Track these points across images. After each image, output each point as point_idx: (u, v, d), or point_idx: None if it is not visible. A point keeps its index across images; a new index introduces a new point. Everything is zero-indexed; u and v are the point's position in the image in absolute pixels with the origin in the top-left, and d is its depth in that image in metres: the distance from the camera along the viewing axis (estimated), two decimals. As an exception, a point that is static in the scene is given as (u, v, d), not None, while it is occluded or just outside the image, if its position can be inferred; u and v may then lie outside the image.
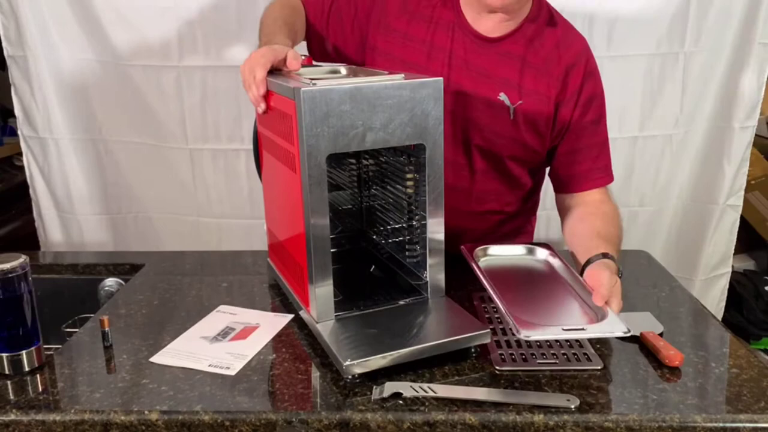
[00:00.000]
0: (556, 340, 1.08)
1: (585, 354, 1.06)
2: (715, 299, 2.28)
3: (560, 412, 0.92)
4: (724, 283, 2.27)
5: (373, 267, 1.31)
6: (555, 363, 1.04)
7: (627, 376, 1.02)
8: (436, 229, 1.10)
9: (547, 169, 1.43)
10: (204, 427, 0.92)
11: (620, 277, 1.13)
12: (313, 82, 0.99)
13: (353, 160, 1.38)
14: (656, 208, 2.16)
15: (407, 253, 1.19)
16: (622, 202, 2.09)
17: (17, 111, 2.10)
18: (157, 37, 1.97)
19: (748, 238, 2.71)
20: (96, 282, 1.49)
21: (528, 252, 1.29)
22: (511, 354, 1.06)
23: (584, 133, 1.33)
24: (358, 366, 0.98)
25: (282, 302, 1.28)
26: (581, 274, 1.16)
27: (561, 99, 1.30)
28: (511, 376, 1.01)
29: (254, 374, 1.03)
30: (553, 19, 1.33)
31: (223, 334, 1.16)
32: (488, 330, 1.05)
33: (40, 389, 1.01)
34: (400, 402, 0.94)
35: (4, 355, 1.03)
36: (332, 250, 1.06)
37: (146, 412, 0.93)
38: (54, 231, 2.21)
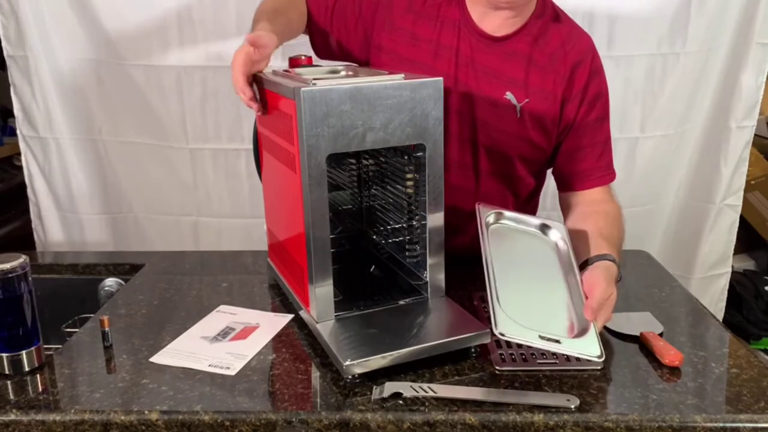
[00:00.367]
0: (528, 346, 1.06)
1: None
2: (714, 299, 2.28)
3: (560, 412, 0.92)
4: (723, 283, 2.28)
5: (373, 267, 1.31)
6: (555, 363, 1.04)
7: (627, 376, 1.02)
8: (436, 229, 1.10)
9: (549, 170, 1.43)
10: (204, 427, 0.92)
11: (619, 281, 1.13)
12: (313, 82, 0.99)
13: (353, 160, 1.38)
14: (654, 207, 2.16)
15: (407, 253, 1.19)
16: (620, 201, 2.09)
17: (17, 111, 2.10)
18: (158, 37, 1.98)
19: (748, 238, 2.72)
20: (96, 282, 1.49)
21: (540, 229, 1.25)
22: (511, 354, 1.06)
23: (589, 131, 1.33)
24: (358, 366, 0.98)
25: (282, 302, 1.28)
26: (581, 271, 1.15)
27: (567, 96, 1.30)
28: (511, 376, 1.01)
29: (254, 374, 1.03)
30: (558, 16, 1.33)
31: (223, 334, 1.16)
32: (488, 330, 1.05)
33: (40, 389, 1.01)
34: (400, 402, 0.94)
35: (4, 355, 1.02)
36: (332, 250, 1.06)
37: (146, 412, 0.93)
38: (54, 230, 2.21)
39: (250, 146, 1.38)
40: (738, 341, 1.14)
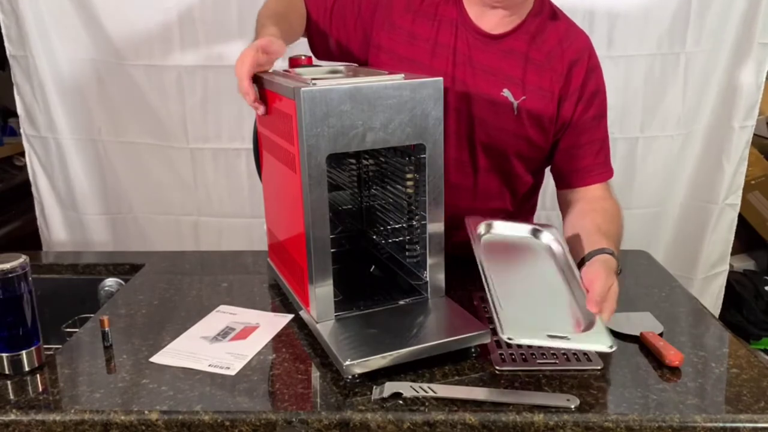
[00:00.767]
0: (529, 346, 1.06)
1: (585, 354, 1.06)
2: (712, 297, 2.28)
3: (560, 412, 0.92)
4: (721, 282, 2.28)
5: (373, 267, 1.31)
6: (555, 363, 1.04)
7: (627, 376, 1.02)
8: (436, 229, 1.10)
9: (548, 168, 1.43)
10: (204, 427, 0.92)
11: (618, 273, 1.12)
12: (313, 82, 0.99)
13: (353, 160, 1.38)
14: (657, 208, 2.16)
15: (407, 253, 1.19)
16: (622, 203, 2.09)
17: (20, 110, 2.11)
18: (159, 37, 1.98)
19: (748, 238, 2.72)
20: (96, 282, 1.49)
21: (532, 233, 1.25)
22: (511, 354, 1.06)
23: (586, 129, 1.33)
24: (358, 366, 0.98)
25: (282, 302, 1.28)
26: (579, 268, 1.14)
27: (564, 94, 1.31)
28: (511, 376, 1.01)
29: (254, 374, 1.03)
30: (555, 14, 1.33)
31: (223, 334, 1.16)
32: (488, 330, 1.05)
33: (40, 389, 1.01)
34: (400, 402, 0.94)
35: (4, 355, 1.02)
36: (332, 250, 1.05)
37: (146, 412, 0.93)
38: (57, 229, 2.22)
39: (251, 146, 1.38)
40: (738, 341, 1.13)
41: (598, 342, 0.97)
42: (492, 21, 1.29)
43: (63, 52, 2.01)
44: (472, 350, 1.06)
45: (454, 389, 0.97)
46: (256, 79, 1.15)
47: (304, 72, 1.14)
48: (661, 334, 1.11)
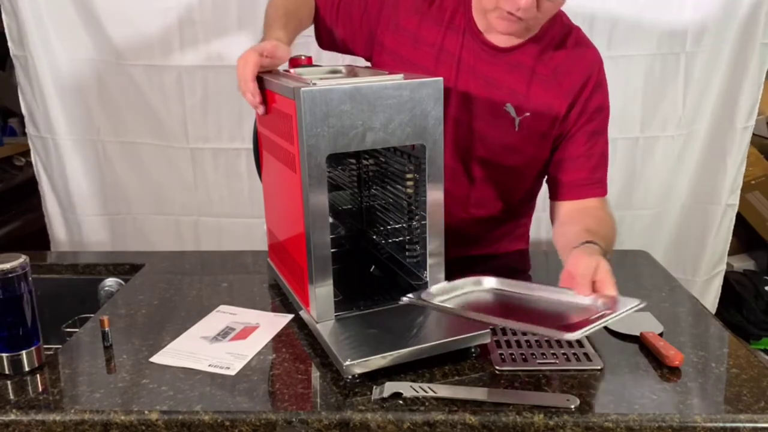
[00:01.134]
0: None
1: (585, 354, 1.06)
2: (711, 296, 2.28)
3: (560, 412, 0.92)
4: (719, 281, 2.28)
5: (373, 267, 1.31)
6: (555, 363, 1.04)
7: (627, 376, 1.02)
8: (436, 229, 1.10)
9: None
10: (204, 427, 0.92)
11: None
12: (313, 82, 0.99)
13: (353, 160, 1.38)
14: (658, 209, 2.16)
15: (407, 253, 1.19)
16: (623, 204, 2.09)
17: (23, 110, 2.11)
18: (159, 37, 1.98)
19: (748, 238, 2.72)
20: (96, 282, 1.49)
21: (474, 284, 1.11)
22: (511, 354, 1.06)
23: (585, 142, 1.31)
24: (358, 366, 0.98)
25: (282, 302, 1.28)
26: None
27: (568, 109, 1.29)
28: (511, 376, 1.01)
29: (254, 374, 1.03)
30: (566, 28, 1.31)
31: (223, 334, 1.16)
32: (488, 330, 1.05)
33: (40, 389, 1.01)
34: (400, 402, 0.94)
35: (4, 355, 1.02)
36: (332, 250, 1.05)
37: (146, 412, 0.93)
38: (58, 229, 2.22)
39: (251, 146, 1.38)
40: (738, 341, 1.13)
41: (627, 304, 0.96)
42: (500, 36, 1.27)
43: (63, 52, 2.01)
44: (472, 350, 1.06)
45: (454, 389, 0.97)
46: (257, 79, 1.15)
47: (304, 72, 1.14)
48: (661, 334, 1.11)
